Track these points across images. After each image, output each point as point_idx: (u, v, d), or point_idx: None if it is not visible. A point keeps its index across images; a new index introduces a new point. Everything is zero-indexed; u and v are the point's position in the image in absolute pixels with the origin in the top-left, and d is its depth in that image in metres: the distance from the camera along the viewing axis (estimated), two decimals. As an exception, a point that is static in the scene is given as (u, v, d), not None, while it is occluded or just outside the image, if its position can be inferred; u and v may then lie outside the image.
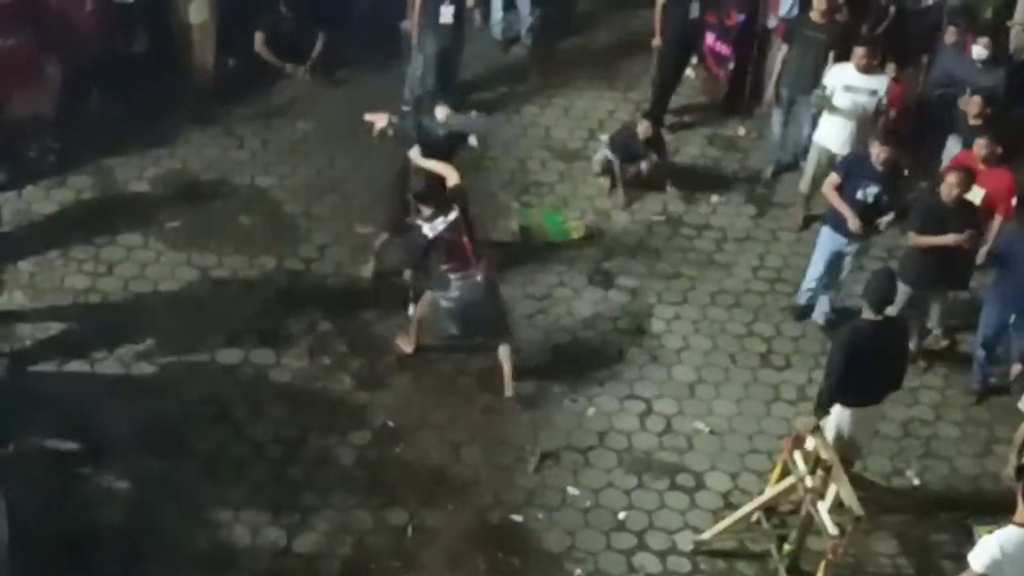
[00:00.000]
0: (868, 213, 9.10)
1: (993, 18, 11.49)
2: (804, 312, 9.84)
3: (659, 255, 10.35)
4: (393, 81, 11.49)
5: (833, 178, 9.26)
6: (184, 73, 11.47)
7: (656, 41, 11.56)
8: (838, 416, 7.68)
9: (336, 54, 11.93)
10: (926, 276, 8.97)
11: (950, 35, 11.04)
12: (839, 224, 9.22)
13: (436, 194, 8.39)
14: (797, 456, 7.49)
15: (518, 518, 8.00)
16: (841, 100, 10.08)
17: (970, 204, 8.87)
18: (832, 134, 10.19)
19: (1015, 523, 6.00)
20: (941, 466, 8.66)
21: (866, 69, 10.01)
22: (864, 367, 7.42)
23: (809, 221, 10.61)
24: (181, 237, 9.91)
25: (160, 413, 8.33)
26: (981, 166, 9.29)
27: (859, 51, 10.04)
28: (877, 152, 8.99)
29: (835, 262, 9.45)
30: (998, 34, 10.98)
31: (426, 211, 8.34)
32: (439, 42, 11.13)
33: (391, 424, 8.52)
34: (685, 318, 9.73)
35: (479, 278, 8.44)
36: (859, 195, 9.06)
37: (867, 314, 7.54)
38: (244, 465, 8.11)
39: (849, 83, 10.05)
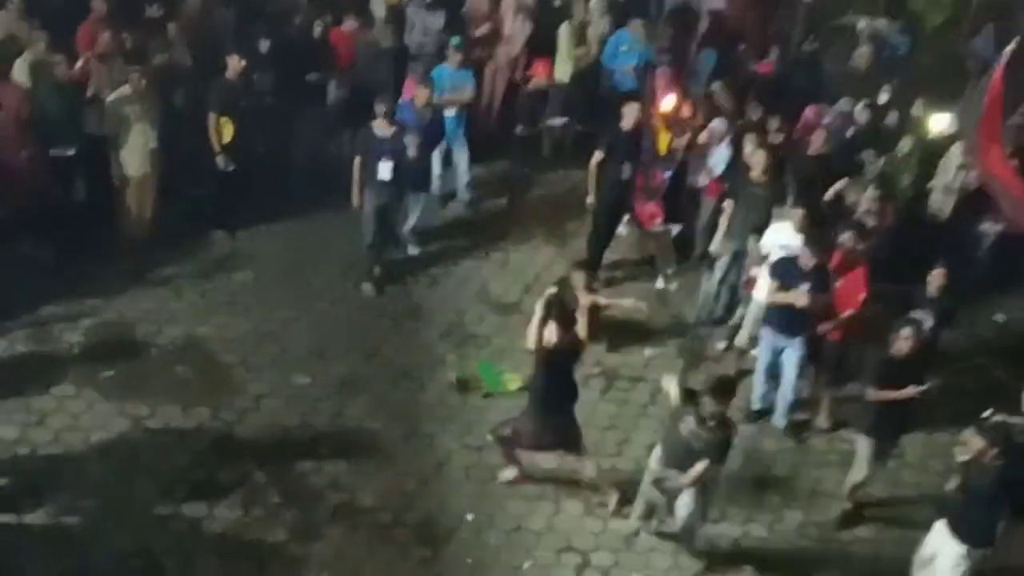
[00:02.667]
0: (800, 312, 9.87)
1: (912, 183, 12.02)
2: (759, 416, 10.46)
3: (594, 407, 10.43)
4: (330, 232, 11.65)
5: (772, 284, 10.02)
6: (122, 224, 11.55)
7: (590, 199, 11.90)
8: None
9: (273, 207, 12.10)
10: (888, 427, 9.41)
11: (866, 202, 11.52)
12: (776, 322, 10.05)
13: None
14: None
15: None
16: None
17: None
18: (764, 291, 10.47)
19: None
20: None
21: (803, 230, 10.32)
22: None
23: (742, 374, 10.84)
24: (115, 387, 9.84)
25: (89, 566, 8.14)
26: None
27: (798, 214, 10.39)
28: (807, 257, 9.85)
29: (776, 359, 10.17)
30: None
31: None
32: (378, 198, 11.34)
33: (325, 577, 8.41)
34: (621, 470, 9.76)
35: None
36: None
37: None
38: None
39: (786, 243, 10.38)
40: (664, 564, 8.91)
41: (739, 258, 11.26)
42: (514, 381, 10.56)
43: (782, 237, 10.43)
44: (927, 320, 9.86)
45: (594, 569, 8.81)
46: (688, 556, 8.96)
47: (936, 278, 10.04)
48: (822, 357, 10.37)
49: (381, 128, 11.23)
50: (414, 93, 12.08)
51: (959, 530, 8.08)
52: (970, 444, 7.98)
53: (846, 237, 10.20)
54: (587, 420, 10.16)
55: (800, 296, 9.78)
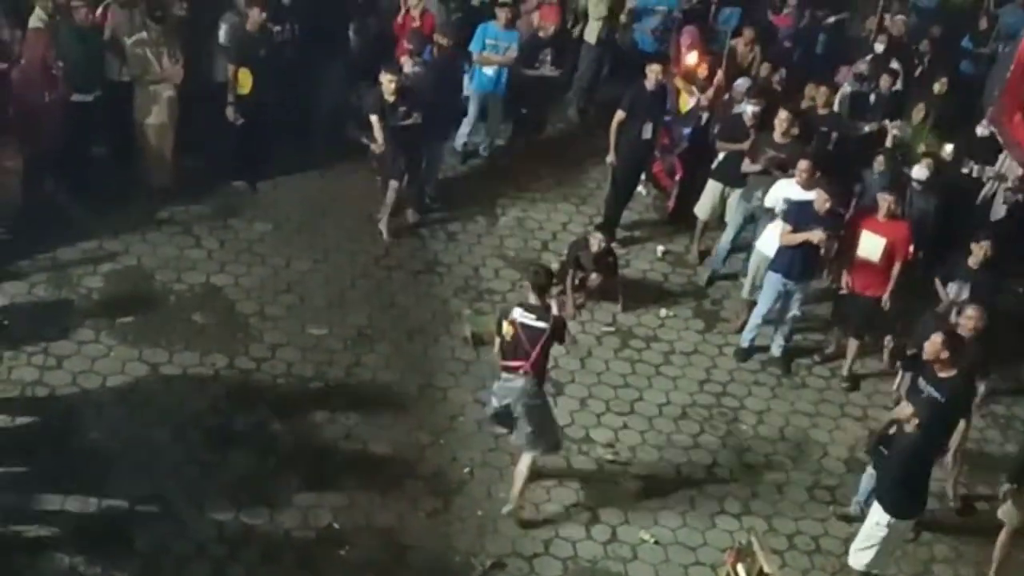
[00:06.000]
0: (814, 255, 10.23)
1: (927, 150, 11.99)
2: (747, 354, 10.77)
3: (608, 365, 10.48)
4: (349, 184, 11.68)
5: (785, 227, 10.20)
6: (142, 171, 11.58)
7: (610, 158, 11.88)
8: None
9: (293, 159, 12.12)
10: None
11: (879, 163, 11.49)
12: (784, 268, 10.29)
13: (543, 289, 8.40)
14: (740, 569, 7.54)
15: (461, 626, 7.97)
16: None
17: None
18: (772, 242, 10.51)
19: None
20: None
21: (807, 184, 10.37)
22: None
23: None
24: (133, 333, 9.91)
25: (102, 509, 8.25)
26: (882, 219, 10.15)
27: (803, 165, 10.44)
28: (821, 200, 10.05)
29: (780, 303, 10.47)
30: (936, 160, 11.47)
31: (531, 298, 8.38)
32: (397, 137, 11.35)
33: (336, 526, 8.48)
34: (632, 428, 9.83)
35: (521, 384, 8.40)
36: None
37: None
38: (186, 563, 8.02)
39: (792, 196, 10.42)
40: (673, 524, 8.99)
41: (754, 219, 11.28)
42: (529, 338, 10.60)
43: (788, 191, 10.50)
44: (963, 292, 9.89)
45: (603, 526, 8.88)
46: (696, 515, 9.04)
47: (979, 249, 10.01)
48: (856, 311, 10.47)
49: (407, 64, 11.53)
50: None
51: (883, 499, 8.15)
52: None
53: (886, 198, 10.22)
54: (600, 378, 10.28)
55: (816, 234, 9.96)
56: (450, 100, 12.32)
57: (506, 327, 8.33)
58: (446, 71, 12.12)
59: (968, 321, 9.09)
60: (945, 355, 8.22)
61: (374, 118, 11.13)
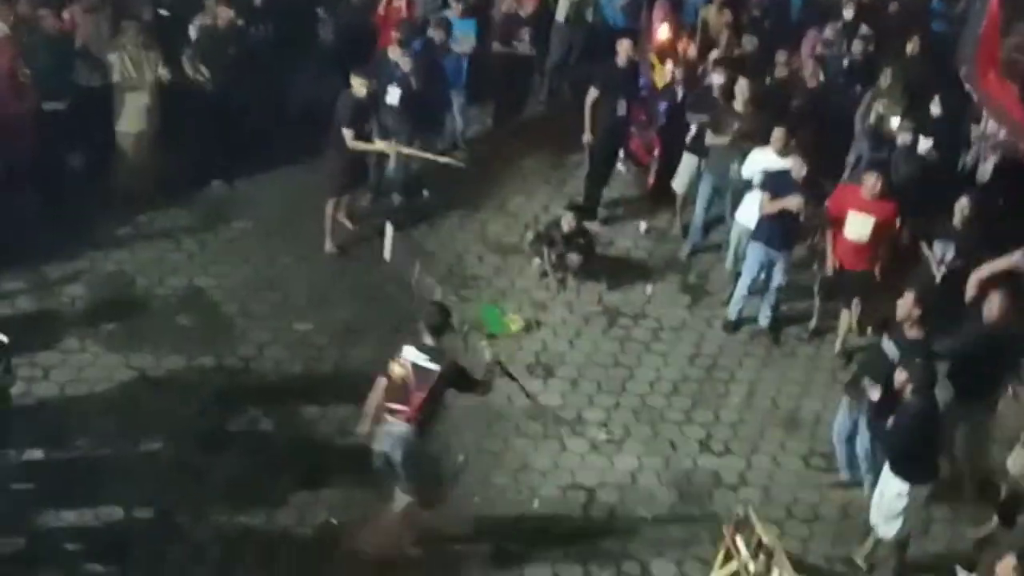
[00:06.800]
0: (794, 223, 10.12)
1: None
2: (736, 326, 10.80)
3: (597, 345, 10.47)
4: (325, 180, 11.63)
5: (764, 196, 10.19)
6: (120, 178, 11.51)
7: (587, 137, 11.86)
8: None
9: (270, 156, 12.05)
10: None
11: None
12: (765, 237, 10.30)
13: (437, 329, 7.82)
14: (739, 541, 7.54)
15: (465, 613, 7.95)
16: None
17: None
18: (752, 212, 10.50)
19: None
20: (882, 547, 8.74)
21: (783, 151, 10.37)
22: None
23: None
24: (118, 339, 9.86)
25: (97, 518, 8.21)
26: (869, 197, 9.99)
27: (777, 133, 10.47)
28: (798, 166, 9.99)
29: (764, 272, 10.48)
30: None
31: (426, 338, 7.82)
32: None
33: (334, 521, 8.45)
34: (625, 407, 9.82)
35: (402, 432, 7.79)
36: None
37: None
38: (186, 568, 7.98)
39: (768, 165, 10.41)
40: (668, 500, 8.99)
41: (721, 192, 11.31)
42: (516, 322, 10.59)
43: (765, 160, 10.50)
44: (948, 252, 9.89)
45: (600, 506, 8.88)
46: (693, 490, 9.05)
47: (962, 208, 9.95)
48: (845, 284, 10.39)
49: (395, 53, 11.51)
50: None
51: (897, 467, 8.10)
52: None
53: (869, 177, 10.04)
54: (589, 358, 10.27)
55: (794, 200, 9.94)
56: (441, 91, 12.39)
57: (396, 368, 7.74)
58: (437, 63, 12.15)
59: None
60: (917, 314, 8.22)
61: (347, 132, 10.81)
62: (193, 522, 8.30)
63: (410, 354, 7.74)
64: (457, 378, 7.82)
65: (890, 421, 8.04)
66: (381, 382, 7.88)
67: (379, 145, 11.14)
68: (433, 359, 7.70)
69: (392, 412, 7.77)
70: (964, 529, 8.84)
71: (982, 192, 10.88)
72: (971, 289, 9.36)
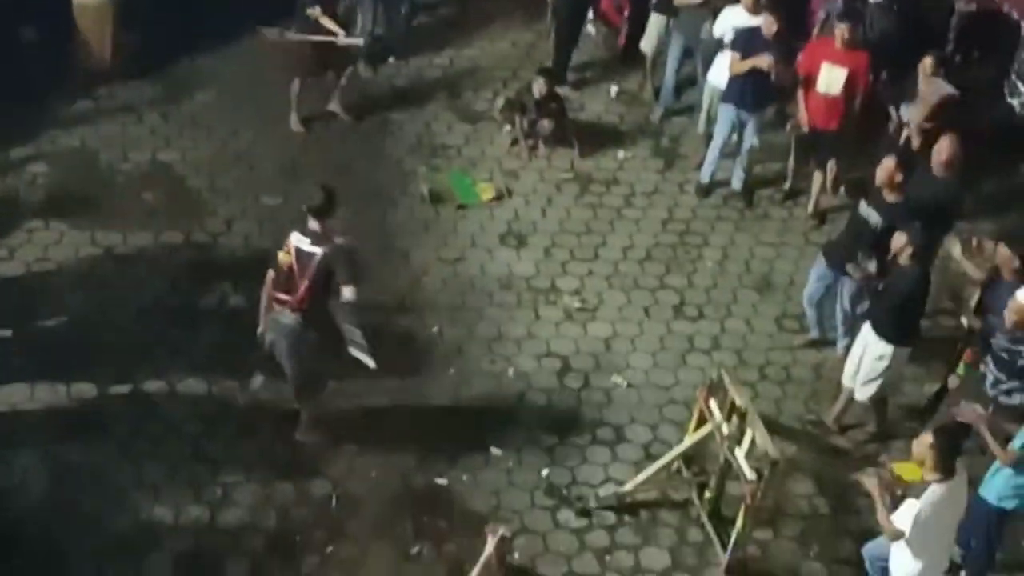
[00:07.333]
0: (765, 82, 9.93)
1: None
2: (708, 189, 10.71)
3: (569, 213, 10.40)
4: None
5: (734, 56, 10.02)
6: (80, 52, 11.18)
7: (552, -2, 11.61)
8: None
9: (231, 27, 11.71)
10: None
11: None
12: (736, 97, 10.17)
13: (320, 212, 7.50)
14: (713, 404, 7.60)
15: (443, 481, 8.02)
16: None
17: None
18: (723, 73, 10.34)
19: (933, 481, 6.26)
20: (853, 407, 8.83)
21: (754, 9, 10.17)
22: None
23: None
24: (83, 217, 9.69)
25: (71, 396, 8.19)
26: (841, 48, 9.81)
27: None
28: (768, 24, 9.83)
29: (736, 134, 10.38)
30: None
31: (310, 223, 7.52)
32: None
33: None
34: (598, 274, 9.80)
35: (288, 322, 7.64)
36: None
37: None
38: (162, 443, 8.00)
39: (739, 24, 10.23)
40: (645, 365, 9.03)
41: (692, 52, 11.13)
42: (487, 191, 10.49)
43: (736, 19, 10.32)
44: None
45: (574, 373, 8.92)
46: (667, 355, 9.10)
47: (926, 66, 9.80)
48: (818, 144, 10.24)
49: None
50: None
51: (882, 330, 8.13)
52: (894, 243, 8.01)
53: (844, 27, 9.87)
54: (562, 226, 10.21)
55: (764, 59, 9.77)
56: None
57: (282, 255, 7.47)
58: None
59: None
60: (900, 178, 8.17)
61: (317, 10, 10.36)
62: (168, 398, 8.30)
63: (295, 239, 7.48)
64: (338, 264, 7.43)
65: (881, 285, 8.08)
66: (270, 274, 7.67)
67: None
68: (314, 242, 7.41)
69: (280, 302, 7.57)
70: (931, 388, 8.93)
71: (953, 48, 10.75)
72: (915, 138, 9.43)
